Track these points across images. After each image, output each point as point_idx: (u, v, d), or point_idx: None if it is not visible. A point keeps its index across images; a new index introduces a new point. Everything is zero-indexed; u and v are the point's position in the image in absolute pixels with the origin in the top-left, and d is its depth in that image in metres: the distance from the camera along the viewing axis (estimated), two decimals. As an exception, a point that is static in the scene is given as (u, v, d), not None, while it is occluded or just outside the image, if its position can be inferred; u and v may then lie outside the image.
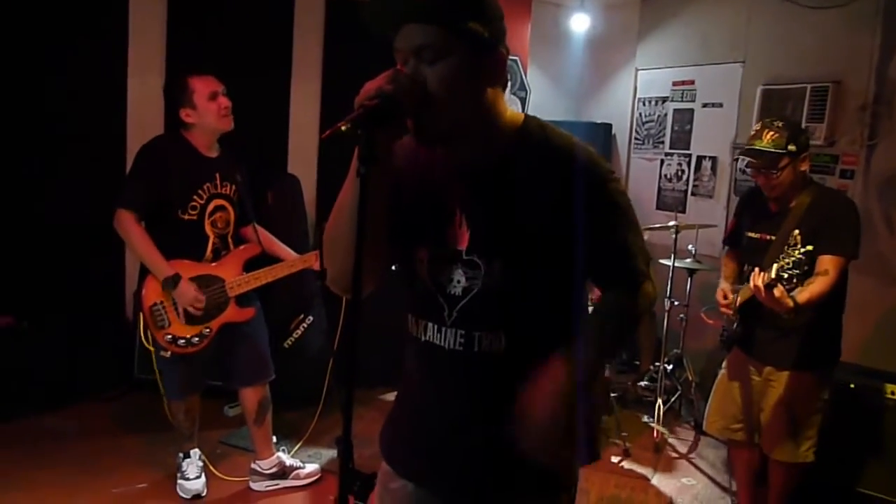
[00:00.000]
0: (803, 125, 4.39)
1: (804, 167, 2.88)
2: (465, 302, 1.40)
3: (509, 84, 5.39)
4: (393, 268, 1.51)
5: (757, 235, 2.99)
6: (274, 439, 3.51)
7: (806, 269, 2.58)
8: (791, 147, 2.81)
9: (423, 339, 1.46)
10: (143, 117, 4.28)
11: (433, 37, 1.27)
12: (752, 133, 2.94)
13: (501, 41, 1.35)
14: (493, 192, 1.38)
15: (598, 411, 1.33)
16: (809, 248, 2.57)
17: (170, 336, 3.03)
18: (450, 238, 1.40)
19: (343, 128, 1.19)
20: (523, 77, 5.59)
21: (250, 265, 3.23)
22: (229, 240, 3.19)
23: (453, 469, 1.46)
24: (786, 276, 2.56)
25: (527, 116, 1.44)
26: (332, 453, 3.28)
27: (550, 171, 1.34)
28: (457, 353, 1.41)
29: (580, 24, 5.92)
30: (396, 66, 1.30)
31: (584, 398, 1.34)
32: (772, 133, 2.85)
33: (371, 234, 1.26)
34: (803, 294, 2.63)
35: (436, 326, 1.44)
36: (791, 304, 2.60)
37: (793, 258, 2.55)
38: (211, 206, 3.10)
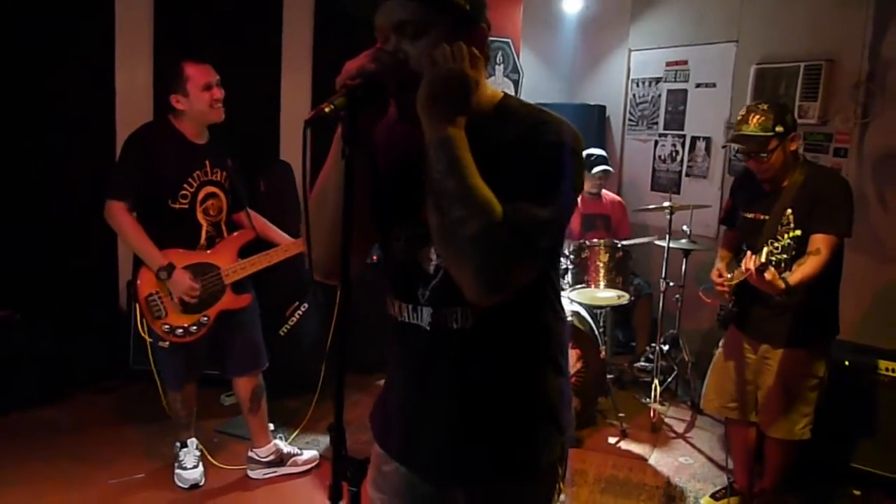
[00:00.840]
0: (797, 104, 4.39)
1: (794, 146, 2.88)
2: (437, 280, 1.39)
3: (502, 66, 5.40)
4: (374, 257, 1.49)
5: (751, 215, 3.00)
6: (271, 427, 3.51)
7: (794, 255, 2.59)
8: (778, 128, 2.81)
9: (399, 318, 1.46)
10: (132, 107, 4.24)
11: (414, 12, 1.26)
12: (739, 118, 2.95)
13: (482, 15, 1.34)
14: None
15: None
16: (798, 232, 2.57)
17: (167, 326, 3.02)
18: (423, 216, 1.36)
19: (326, 109, 1.17)
20: (516, 59, 5.55)
21: (245, 251, 3.20)
22: (223, 227, 3.17)
23: (432, 447, 1.47)
24: (774, 259, 2.57)
25: (506, 94, 1.42)
26: (329, 440, 3.28)
27: (515, 145, 1.31)
28: (430, 330, 1.41)
29: (573, 5, 5.89)
30: (377, 45, 1.29)
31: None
32: (758, 116, 2.86)
33: (358, 216, 1.25)
34: (795, 276, 2.63)
35: (411, 306, 1.43)
36: (783, 285, 2.60)
37: (782, 243, 2.56)
38: (202, 194, 3.07)
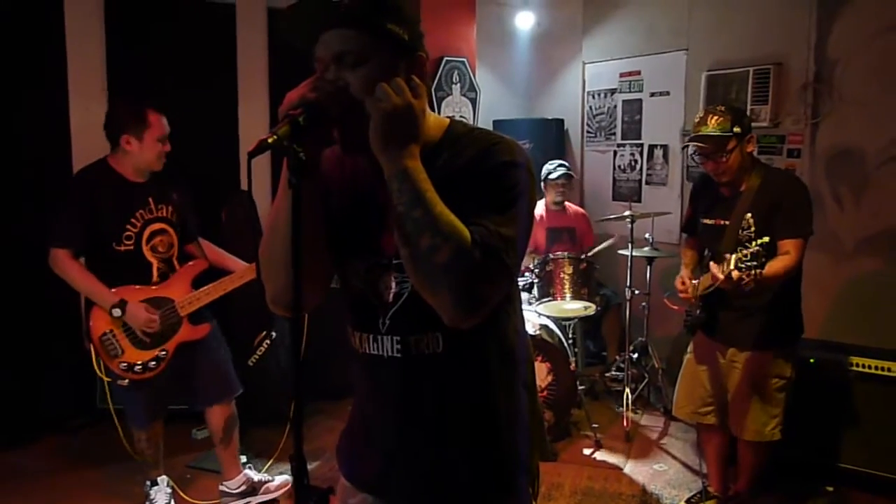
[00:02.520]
0: (748, 108, 4.47)
1: (750, 148, 2.94)
2: (397, 308, 1.39)
3: (458, 85, 5.43)
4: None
5: (711, 221, 3.03)
6: (243, 458, 3.46)
7: (763, 261, 2.59)
8: (736, 129, 2.87)
9: (361, 350, 1.45)
10: (88, 144, 4.17)
11: (353, 42, 1.27)
12: (697, 121, 3.00)
13: (420, 44, 1.35)
14: None
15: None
16: (766, 239, 2.58)
17: (125, 364, 2.96)
18: (382, 245, 1.39)
19: (269, 140, 1.17)
20: (472, 78, 5.59)
21: (200, 281, 3.16)
22: (174, 261, 3.13)
23: (406, 477, 1.45)
24: (744, 266, 2.58)
25: (452, 120, 1.44)
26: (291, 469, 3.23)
27: (470, 168, 1.32)
28: (395, 359, 1.40)
29: (525, 21, 5.96)
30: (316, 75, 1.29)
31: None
32: (716, 118, 2.91)
33: (309, 247, 1.26)
34: (766, 269, 2.62)
35: (372, 336, 1.42)
36: (752, 283, 2.59)
37: (751, 250, 2.57)
38: (147, 232, 3.03)
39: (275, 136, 1.17)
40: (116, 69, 4.38)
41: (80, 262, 2.94)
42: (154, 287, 3.05)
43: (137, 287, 3.00)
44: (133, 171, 3.03)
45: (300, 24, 1.30)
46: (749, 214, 2.80)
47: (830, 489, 3.44)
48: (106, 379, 3.06)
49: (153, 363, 3.00)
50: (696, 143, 2.96)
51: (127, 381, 3.00)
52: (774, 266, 2.71)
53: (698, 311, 3.08)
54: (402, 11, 1.32)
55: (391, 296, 1.39)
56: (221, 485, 3.36)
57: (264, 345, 4.29)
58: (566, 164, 5.10)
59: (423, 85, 1.34)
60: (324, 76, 1.29)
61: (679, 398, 3.28)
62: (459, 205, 1.25)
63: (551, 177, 4.92)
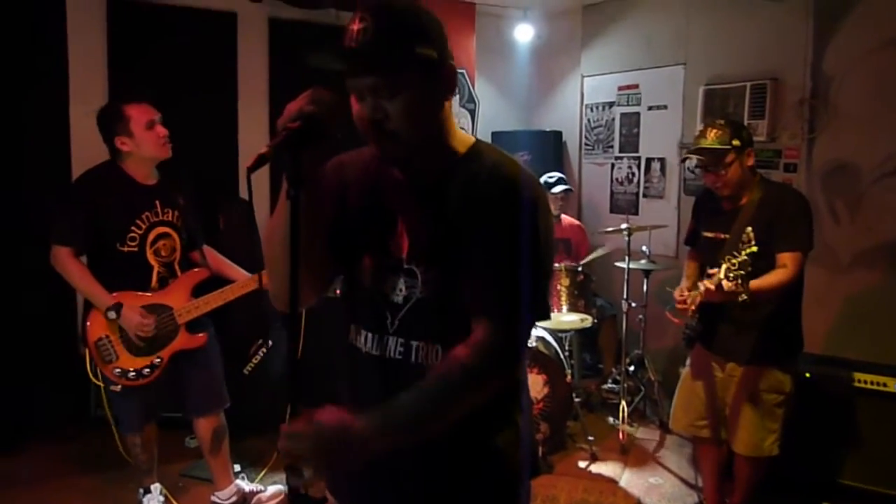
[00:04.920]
0: (745, 122, 4.48)
1: (750, 162, 2.95)
2: (406, 311, 1.40)
3: (458, 97, 5.45)
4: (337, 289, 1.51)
5: (712, 234, 3.04)
6: (237, 468, 3.44)
7: (750, 270, 2.60)
8: (735, 142, 2.88)
9: (363, 349, 1.46)
10: (88, 147, 4.17)
11: (387, 76, 1.28)
12: (697, 134, 3.04)
13: (448, 54, 1.35)
14: (434, 205, 1.38)
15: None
16: (755, 248, 2.58)
17: (119, 370, 2.95)
18: (392, 247, 1.41)
19: (267, 154, 1.20)
20: (471, 89, 5.62)
21: (201, 289, 3.15)
22: (176, 267, 3.11)
23: (400, 492, 1.44)
24: (732, 275, 2.59)
25: (478, 140, 1.45)
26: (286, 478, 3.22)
27: (488, 192, 1.33)
28: (395, 362, 1.41)
29: (524, 34, 5.98)
30: (315, 87, 1.29)
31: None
32: (715, 131, 2.94)
33: (306, 253, 1.28)
34: (755, 282, 2.65)
35: (377, 336, 1.43)
36: (744, 295, 2.60)
37: (739, 259, 2.58)
38: (152, 235, 3.02)
39: (271, 150, 1.20)
40: (118, 77, 4.39)
41: (80, 260, 2.93)
42: (153, 293, 3.03)
43: (137, 293, 2.99)
44: (141, 171, 3.02)
45: (333, 63, 1.29)
46: (749, 228, 2.80)
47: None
48: (100, 384, 3.05)
49: (147, 370, 2.99)
50: (694, 156, 2.97)
51: (119, 386, 2.99)
52: (769, 279, 2.71)
53: (696, 324, 3.07)
54: (429, 30, 1.32)
55: (398, 298, 1.40)
56: (213, 495, 3.34)
57: (260, 353, 4.28)
58: (564, 177, 5.11)
59: (449, 102, 1.39)
60: (361, 106, 1.30)
61: (676, 411, 3.27)
62: (472, 236, 1.30)
63: (553, 190, 4.94)
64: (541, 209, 1.34)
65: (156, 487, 3.29)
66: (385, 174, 1.43)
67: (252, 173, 1.18)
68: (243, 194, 4.81)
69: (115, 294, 2.92)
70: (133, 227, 2.96)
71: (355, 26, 1.26)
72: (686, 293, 3.06)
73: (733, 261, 2.59)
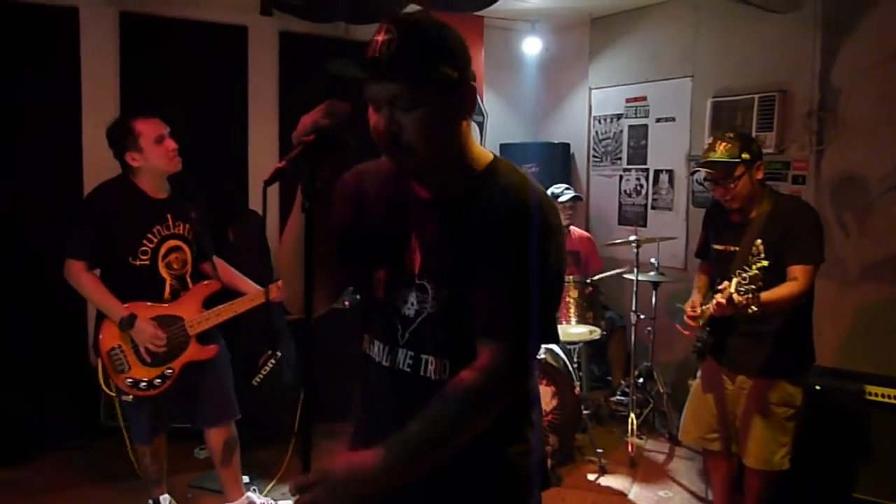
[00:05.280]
0: (754, 134, 4.49)
1: (759, 175, 2.94)
2: (416, 325, 1.41)
3: (466, 109, 5.48)
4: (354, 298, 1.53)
5: (722, 247, 3.04)
6: (246, 479, 3.44)
7: (761, 285, 2.60)
8: (745, 155, 2.88)
9: (376, 359, 1.48)
10: (100, 160, 4.21)
11: (407, 88, 1.28)
12: (706, 147, 3.04)
13: (469, 73, 1.36)
14: (448, 222, 1.40)
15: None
16: (766, 263, 2.58)
17: (130, 380, 2.97)
18: (406, 261, 1.42)
19: (285, 167, 1.21)
20: (480, 102, 5.64)
21: (212, 301, 3.17)
22: (188, 279, 3.14)
23: (401, 498, 1.44)
24: (743, 290, 2.59)
25: (496, 158, 1.46)
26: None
27: (500, 215, 1.34)
28: (404, 374, 1.42)
29: (532, 47, 6.01)
30: (331, 99, 1.30)
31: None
32: (725, 144, 2.93)
33: (320, 262, 1.30)
34: (766, 294, 2.64)
35: (388, 347, 1.45)
36: (755, 307, 2.60)
37: (750, 273, 2.58)
38: (164, 249, 3.04)
39: (288, 164, 1.21)
40: (130, 89, 4.44)
41: (93, 274, 2.95)
42: (165, 305, 3.05)
43: (149, 304, 3.01)
44: (152, 185, 3.04)
45: (352, 70, 1.30)
46: (759, 241, 2.79)
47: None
48: (111, 394, 3.07)
49: (158, 381, 3.01)
50: (704, 169, 2.98)
51: (131, 397, 3.01)
52: (779, 291, 2.71)
53: (707, 337, 3.06)
54: (453, 48, 1.33)
55: (409, 311, 1.42)
56: (223, 506, 3.35)
57: (269, 364, 4.28)
58: (571, 188, 5.13)
59: (468, 123, 1.40)
60: (378, 116, 1.31)
61: (686, 423, 3.26)
62: (483, 258, 1.32)
63: (560, 199, 4.94)
64: (552, 234, 1.35)
65: (165, 498, 3.29)
66: (402, 188, 1.44)
67: (269, 186, 1.19)
68: (256, 206, 4.84)
69: (127, 304, 2.94)
70: (145, 241, 2.99)
71: (381, 37, 1.27)
72: (699, 308, 3.06)
73: (744, 275, 2.59)
